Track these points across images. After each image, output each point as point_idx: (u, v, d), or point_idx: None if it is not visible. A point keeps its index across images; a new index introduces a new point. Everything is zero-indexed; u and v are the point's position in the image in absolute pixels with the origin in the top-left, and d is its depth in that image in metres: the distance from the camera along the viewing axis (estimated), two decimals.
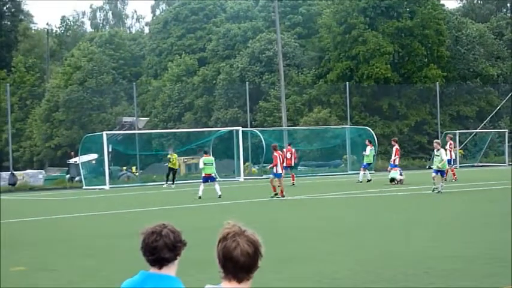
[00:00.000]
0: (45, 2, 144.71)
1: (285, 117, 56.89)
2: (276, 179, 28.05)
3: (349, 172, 48.37)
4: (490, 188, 29.30)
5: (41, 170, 53.62)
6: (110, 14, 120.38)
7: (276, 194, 27.67)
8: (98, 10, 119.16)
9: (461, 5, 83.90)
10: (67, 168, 53.30)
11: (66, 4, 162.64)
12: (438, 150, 27.32)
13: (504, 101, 60.85)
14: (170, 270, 3.87)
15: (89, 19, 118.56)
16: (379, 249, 13.89)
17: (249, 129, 51.58)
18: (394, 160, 34.05)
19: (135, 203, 28.41)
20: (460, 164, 52.08)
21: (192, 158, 53.45)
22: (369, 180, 35.40)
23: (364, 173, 36.21)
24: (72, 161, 51.26)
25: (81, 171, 45.35)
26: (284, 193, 27.89)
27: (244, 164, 47.19)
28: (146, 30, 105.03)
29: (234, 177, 46.41)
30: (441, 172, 27.30)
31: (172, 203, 28.39)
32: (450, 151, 35.33)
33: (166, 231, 3.84)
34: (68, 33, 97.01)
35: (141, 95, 71.98)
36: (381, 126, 59.74)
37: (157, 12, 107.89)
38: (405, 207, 23.02)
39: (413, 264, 11.87)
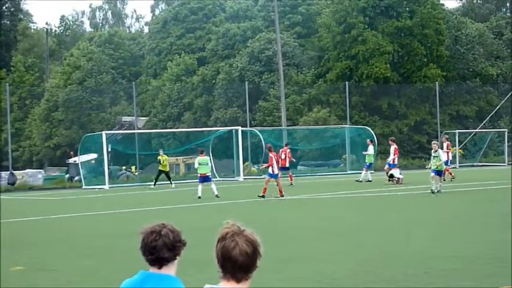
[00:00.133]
0: (44, 2, 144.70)
1: (284, 116, 56.90)
2: (273, 179, 28.01)
3: (349, 172, 48.37)
4: (490, 188, 29.30)
5: (40, 170, 53.58)
6: (109, 14, 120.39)
7: (263, 196, 27.44)
8: (98, 10, 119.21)
9: (460, 4, 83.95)
10: (66, 168, 53.28)
11: (66, 4, 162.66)
12: (436, 151, 27.33)
13: (504, 100, 60.86)
14: (170, 270, 3.85)
15: (88, 19, 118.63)
16: (379, 249, 13.88)
17: (248, 128, 51.59)
18: (394, 159, 34.03)
19: (135, 203, 28.39)
20: (459, 163, 52.12)
21: (191, 158, 53.40)
22: (368, 181, 35.37)
23: (366, 173, 36.16)
24: (71, 160, 51.25)
25: (81, 170, 45.35)
26: (283, 193, 27.87)
27: (243, 163, 47.18)
28: (146, 29, 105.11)
29: (234, 177, 46.40)
30: (439, 172, 27.35)
31: (171, 202, 28.37)
32: (448, 152, 35.44)
33: (165, 230, 3.82)
34: (67, 33, 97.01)
35: (141, 95, 71.99)
36: (381, 125, 59.73)
37: (157, 11, 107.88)
38: (405, 207, 23.02)
39: (413, 264, 11.86)
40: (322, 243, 15.11)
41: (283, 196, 27.61)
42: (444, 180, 31.74)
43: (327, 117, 58.68)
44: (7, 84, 52.90)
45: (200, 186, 28.90)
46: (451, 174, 34.29)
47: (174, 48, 74.48)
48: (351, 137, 51.97)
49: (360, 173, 37.55)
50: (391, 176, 33.41)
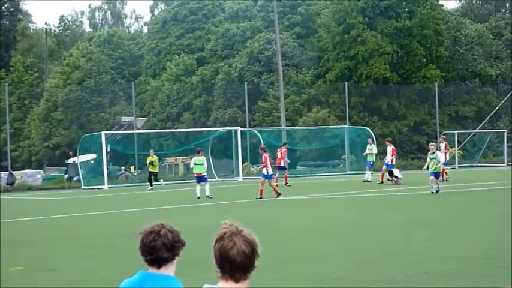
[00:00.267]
0: (43, 2, 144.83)
1: (283, 117, 56.89)
2: (267, 180, 27.98)
3: (348, 172, 48.38)
4: (489, 189, 29.29)
5: (40, 170, 53.56)
6: (108, 14, 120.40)
7: (260, 197, 27.45)
8: (97, 10, 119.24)
9: (460, 5, 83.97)
10: (65, 168, 53.28)
11: (65, 4, 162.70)
12: (433, 153, 27.30)
13: (503, 101, 60.84)
14: (169, 270, 3.84)
15: (88, 19, 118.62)
16: (379, 249, 13.88)
17: (247, 129, 51.58)
18: (392, 160, 34.03)
19: (134, 203, 28.39)
20: (458, 164, 52.14)
21: (191, 158, 53.31)
22: (367, 181, 35.33)
23: (368, 173, 36.07)
24: (70, 160, 51.24)
25: (80, 171, 45.34)
26: (279, 192, 27.85)
27: (242, 164, 47.18)
28: (145, 30, 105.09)
29: (233, 177, 46.41)
30: (437, 174, 27.35)
31: (170, 203, 28.37)
32: (445, 153, 35.50)
33: (164, 231, 3.82)
34: (66, 33, 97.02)
35: (140, 95, 72.01)
36: (380, 126, 59.72)
37: (156, 12, 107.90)
38: (404, 208, 23.01)
39: (413, 265, 11.85)
40: (321, 243, 15.11)
41: (279, 195, 27.56)
42: (442, 180, 31.76)
43: (326, 118, 58.68)
44: (6, 84, 52.86)
45: (198, 187, 29.00)
46: (446, 173, 34.34)
47: (174, 49, 74.51)
48: (350, 137, 51.97)
49: (361, 174, 37.47)
50: (391, 173, 33.46)
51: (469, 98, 64.17)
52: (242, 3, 76.14)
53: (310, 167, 54.13)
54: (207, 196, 28.57)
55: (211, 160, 48.47)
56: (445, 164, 32.49)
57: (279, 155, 36.28)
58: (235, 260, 3.45)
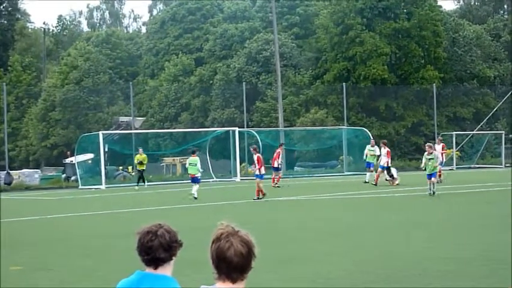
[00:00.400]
0: (42, 2, 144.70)
1: (281, 117, 56.88)
2: (259, 180, 28.07)
3: (346, 173, 48.39)
4: (487, 190, 29.30)
5: (37, 170, 53.51)
6: (106, 14, 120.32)
7: (258, 198, 27.63)
8: (95, 9, 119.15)
9: (458, 6, 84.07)
10: (63, 167, 53.25)
11: (63, 3, 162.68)
12: (431, 153, 27.22)
13: (501, 102, 60.89)
14: (166, 270, 3.84)
15: (86, 18, 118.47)
16: (376, 250, 13.88)
17: (245, 129, 51.60)
18: (387, 162, 34.02)
19: (131, 203, 28.37)
20: (456, 165, 52.17)
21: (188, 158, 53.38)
22: (365, 182, 35.34)
23: (369, 174, 36.05)
24: (68, 160, 51.21)
25: (77, 170, 45.31)
26: (260, 196, 27.86)
27: (240, 164, 47.17)
28: (143, 30, 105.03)
29: (231, 178, 46.40)
30: (432, 174, 27.28)
31: (168, 203, 28.37)
32: (442, 154, 35.54)
33: (162, 231, 3.81)
34: (64, 33, 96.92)
35: (138, 95, 71.98)
36: (378, 127, 59.73)
37: (155, 12, 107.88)
38: (402, 208, 23.02)
39: (410, 265, 11.86)
40: (319, 244, 15.11)
41: (258, 199, 27.56)
42: (441, 181, 31.79)
43: (324, 119, 58.68)
44: (4, 83, 52.83)
45: (194, 187, 29.09)
46: (440, 176, 34.35)
47: (172, 49, 74.50)
48: (348, 138, 52.00)
49: (358, 175, 37.45)
50: (389, 170, 33.55)
51: (467, 99, 64.21)
52: (241, 4, 76.15)
53: (308, 168, 54.15)
54: (194, 197, 28.65)
55: (209, 160, 48.49)
56: (441, 165, 32.48)
57: (275, 156, 36.52)
58: (232, 261, 3.45)
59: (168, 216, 21.56)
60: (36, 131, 69.39)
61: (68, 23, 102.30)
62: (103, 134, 44.56)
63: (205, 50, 71.86)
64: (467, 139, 57.50)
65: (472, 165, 54.21)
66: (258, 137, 47.82)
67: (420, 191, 28.31)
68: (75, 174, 46.35)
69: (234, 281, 3.50)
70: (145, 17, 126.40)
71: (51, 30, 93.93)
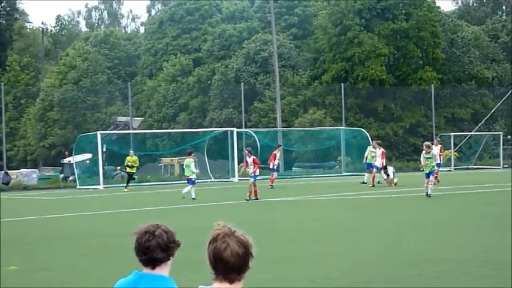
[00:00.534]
0: (40, 1, 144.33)
1: (279, 118, 56.90)
2: (252, 180, 28.17)
3: (344, 174, 48.39)
4: (485, 191, 29.34)
5: (35, 170, 53.49)
6: (105, 14, 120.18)
7: (256, 198, 27.83)
8: (93, 9, 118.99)
9: (456, 7, 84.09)
10: (61, 167, 53.19)
11: (62, 3, 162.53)
12: (429, 152, 27.16)
13: (499, 103, 60.94)
14: (163, 271, 3.84)
15: (84, 18, 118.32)
16: (374, 250, 13.88)
17: (243, 130, 51.61)
18: (382, 163, 34.02)
19: (129, 203, 28.37)
20: (454, 166, 52.18)
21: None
22: (364, 183, 35.34)
23: (368, 175, 36.02)
24: (66, 160, 51.18)
25: (75, 170, 45.29)
26: (251, 197, 27.95)
27: (238, 164, 47.15)
28: (142, 30, 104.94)
29: (229, 178, 46.38)
30: (430, 173, 27.26)
31: (166, 203, 28.35)
32: (440, 155, 35.57)
33: (159, 231, 3.81)
34: (63, 33, 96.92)
35: (136, 95, 71.94)
36: (376, 128, 59.72)
37: (153, 12, 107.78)
38: (399, 209, 23.03)
39: (408, 266, 11.86)
40: (316, 244, 15.11)
41: (248, 200, 27.61)
42: (438, 181, 31.81)
43: (322, 119, 58.68)
44: (2, 83, 52.76)
45: (193, 188, 29.09)
46: (436, 177, 34.35)
47: (170, 49, 74.49)
48: (346, 138, 52.01)
49: (356, 175, 37.43)
50: (386, 169, 33.64)
51: (465, 100, 64.26)
52: (239, 4, 76.14)
53: (306, 168, 54.14)
54: (182, 197, 28.75)
55: (207, 161, 48.50)
56: (438, 166, 32.49)
57: (270, 157, 36.75)
58: (229, 261, 3.45)
59: (166, 216, 21.57)
60: (34, 131, 69.35)
61: (66, 23, 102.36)
62: (101, 134, 44.53)
63: (204, 51, 71.85)
64: (465, 140, 57.55)
65: (470, 166, 54.25)
66: (256, 138, 47.82)
67: (418, 192, 28.30)
68: (73, 174, 46.33)
69: (231, 281, 3.50)
70: (144, 17, 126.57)
71: (49, 30, 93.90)
